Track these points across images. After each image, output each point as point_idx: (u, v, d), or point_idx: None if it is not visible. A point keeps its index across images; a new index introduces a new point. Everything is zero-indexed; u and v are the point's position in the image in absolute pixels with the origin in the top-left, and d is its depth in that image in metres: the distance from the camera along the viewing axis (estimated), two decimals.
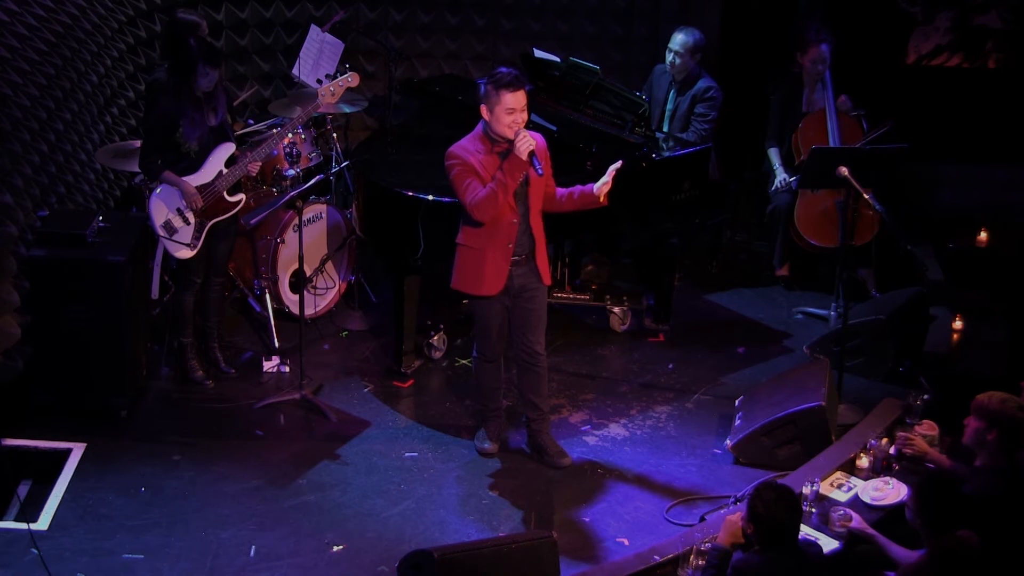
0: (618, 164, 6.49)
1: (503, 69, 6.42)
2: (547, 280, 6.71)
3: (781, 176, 8.51)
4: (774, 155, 8.64)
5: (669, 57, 8.44)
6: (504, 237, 6.49)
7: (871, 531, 5.73)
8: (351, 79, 7.39)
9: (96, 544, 6.12)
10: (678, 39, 8.40)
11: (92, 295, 6.85)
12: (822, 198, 8.25)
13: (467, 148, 6.43)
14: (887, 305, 7.74)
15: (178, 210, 7.13)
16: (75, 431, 6.87)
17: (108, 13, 8.38)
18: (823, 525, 5.98)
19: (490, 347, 6.77)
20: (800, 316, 8.45)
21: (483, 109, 6.39)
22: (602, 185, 6.47)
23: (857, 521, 5.82)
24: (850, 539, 5.82)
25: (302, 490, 6.63)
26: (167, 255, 7.40)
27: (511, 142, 6.32)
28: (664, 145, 8.05)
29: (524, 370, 6.81)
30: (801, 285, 8.74)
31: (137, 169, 7.39)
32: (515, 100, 6.30)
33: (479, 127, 6.45)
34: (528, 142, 6.29)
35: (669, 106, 8.52)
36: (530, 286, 6.64)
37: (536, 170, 6.34)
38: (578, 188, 6.59)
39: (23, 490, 6.58)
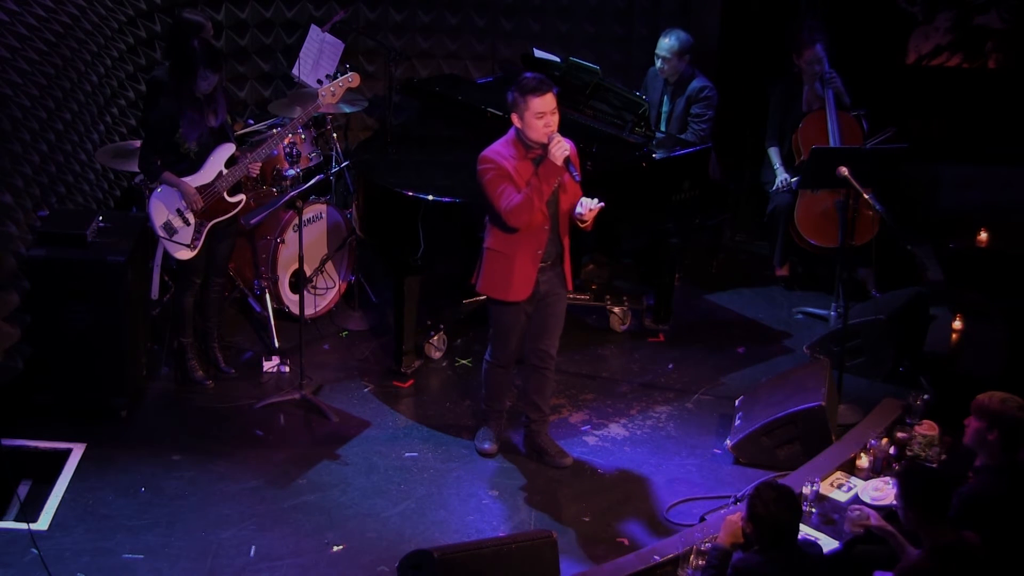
0: (600, 204, 6.37)
1: (528, 75, 6.37)
2: (570, 285, 6.70)
3: (782, 176, 8.51)
4: (774, 155, 8.64)
5: (658, 63, 8.45)
6: (534, 243, 6.44)
7: (891, 528, 5.70)
8: (351, 79, 7.39)
9: (96, 544, 6.12)
10: (664, 44, 8.40)
11: (92, 295, 6.85)
12: (822, 198, 8.25)
13: (501, 153, 6.36)
14: (887, 305, 7.75)
15: (178, 211, 7.13)
16: (75, 431, 6.87)
17: (108, 13, 8.37)
18: (823, 525, 5.98)
19: (506, 353, 6.73)
20: (800, 316, 8.45)
21: (514, 117, 6.32)
22: (586, 213, 6.36)
23: (875, 518, 5.78)
24: (851, 539, 5.81)
25: (302, 490, 6.62)
26: (167, 255, 7.39)
27: (545, 147, 6.28)
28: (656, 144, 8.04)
29: (532, 371, 6.79)
30: (801, 285, 8.74)
31: (137, 169, 7.38)
32: (543, 104, 6.24)
33: (511, 132, 6.39)
34: (563, 147, 6.24)
35: (664, 108, 8.53)
36: (553, 291, 6.61)
37: (573, 175, 6.29)
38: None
39: (23, 490, 6.58)
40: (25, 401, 6.94)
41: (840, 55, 8.59)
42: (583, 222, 6.43)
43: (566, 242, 6.58)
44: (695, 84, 8.43)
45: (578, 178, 6.32)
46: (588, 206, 6.37)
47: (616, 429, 7.26)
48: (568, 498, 6.66)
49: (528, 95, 6.26)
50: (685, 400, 7.54)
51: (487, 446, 6.94)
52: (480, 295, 6.86)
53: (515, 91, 6.32)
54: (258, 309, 8.01)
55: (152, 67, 8.72)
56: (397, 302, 7.53)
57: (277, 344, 7.76)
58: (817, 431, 6.71)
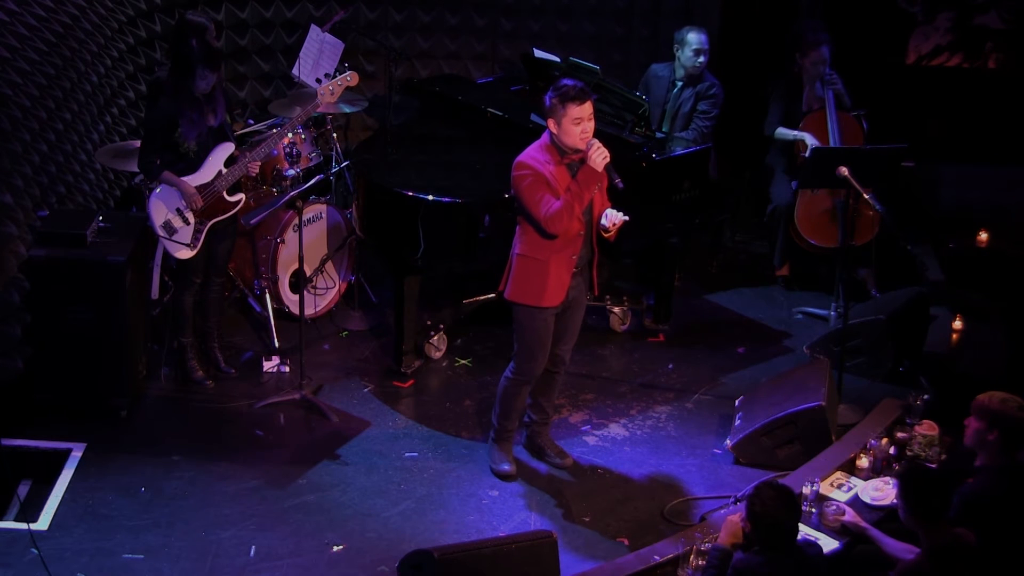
0: (625, 218, 6.30)
1: (567, 82, 6.25)
2: (596, 291, 6.67)
3: (811, 140, 8.37)
4: (785, 131, 8.50)
5: (700, 59, 8.34)
6: (570, 248, 6.36)
7: (864, 524, 5.76)
8: (350, 78, 7.39)
9: (96, 544, 6.12)
10: (702, 38, 8.33)
11: (92, 295, 6.85)
12: (822, 198, 8.25)
13: (537, 158, 6.25)
14: (887, 305, 7.75)
15: (177, 210, 7.13)
16: (75, 431, 6.86)
17: (108, 13, 8.38)
18: (823, 525, 5.98)
19: (533, 367, 6.57)
20: (800, 316, 8.45)
21: (550, 123, 6.22)
22: (609, 225, 6.28)
23: (850, 515, 5.84)
24: (850, 539, 5.82)
25: (302, 490, 6.62)
26: (167, 255, 7.39)
27: (582, 153, 6.22)
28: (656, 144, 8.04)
29: (544, 374, 6.73)
30: (801, 285, 8.74)
31: (137, 169, 7.38)
32: (581, 111, 6.15)
33: (545, 137, 6.29)
34: (603, 152, 6.15)
35: (670, 105, 8.51)
36: (579, 298, 6.58)
37: (615, 182, 6.20)
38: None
39: (23, 490, 6.57)
40: (25, 401, 6.94)
41: (840, 55, 8.59)
42: (607, 232, 6.35)
43: (596, 247, 6.52)
44: (705, 81, 8.44)
45: (621, 185, 6.21)
46: (612, 219, 6.28)
47: (616, 429, 7.26)
48: (568, 498, 6.66)
49: (567, 102, 6.15)
50: (685, 400, 7.55)
51: (506, 467, 6.77)
52: (480, 296, 6.85)
53: (553, 97, 6.20)
54: (258, 309, 8.01)
55: (152, 67, 8.72)
56: (397, 302, 7.53)
57: (277, 344, 7.76)
58: (817, 431, 6.71)
